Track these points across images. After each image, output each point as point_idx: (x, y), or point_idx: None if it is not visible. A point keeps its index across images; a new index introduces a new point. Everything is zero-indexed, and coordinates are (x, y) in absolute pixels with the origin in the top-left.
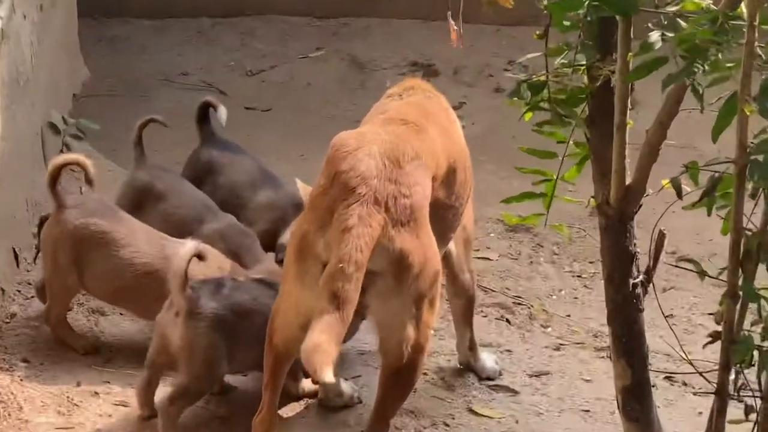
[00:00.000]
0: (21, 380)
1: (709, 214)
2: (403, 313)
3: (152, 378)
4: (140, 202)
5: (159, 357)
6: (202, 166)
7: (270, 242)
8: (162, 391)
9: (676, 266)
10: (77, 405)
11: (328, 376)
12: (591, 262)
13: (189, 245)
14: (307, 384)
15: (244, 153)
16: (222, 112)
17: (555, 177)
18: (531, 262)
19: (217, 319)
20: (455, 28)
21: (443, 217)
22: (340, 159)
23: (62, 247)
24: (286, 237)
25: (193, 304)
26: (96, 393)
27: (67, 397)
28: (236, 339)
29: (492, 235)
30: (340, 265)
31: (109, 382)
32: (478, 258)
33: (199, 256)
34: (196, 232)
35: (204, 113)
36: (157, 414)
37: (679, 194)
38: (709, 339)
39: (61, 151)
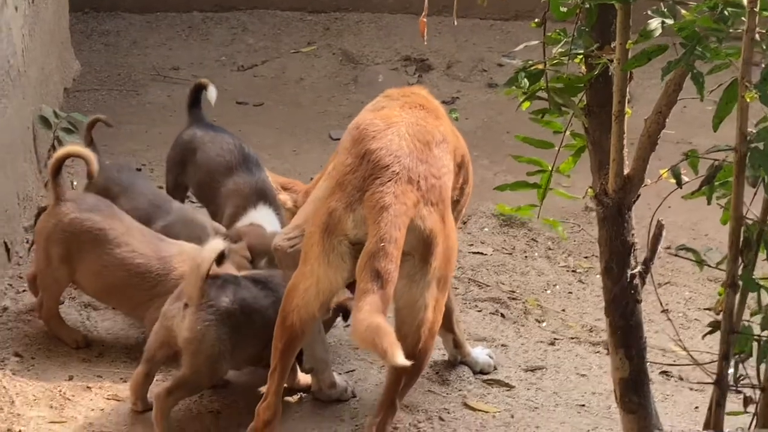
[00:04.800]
0: (13, 374)
1: (709, 203)
2: (426, 295)
3: (149, 372)
4: None
5: (160, 350)
6: (185, 145)
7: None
8: (155, 384)
9: (676, 255)
10: (69, 399)
11: (401, 358)
12: (585, 257)
13: (219, 243)
14: (303, 376)
15: (227, 133)
16: (212, 92)
17: (550, 168)
18: (525, 256)
19: (227, 312)
20: (423, 20)
21: None
22: (369, 138)
23: (55, 239)
24: (241, 223)
25: (205, 296)
26: (88, 387)
27: (60, 391)
28: (239, 335)
29: (486, 230)
30: (382, 244)
31: (101, 377)
32: (473, 252)
33: (220, 259)
34: None
35: (195, 97)
36: (152, 405)
37: (679, 182)
38: (709, 329)
39: (53, 145)
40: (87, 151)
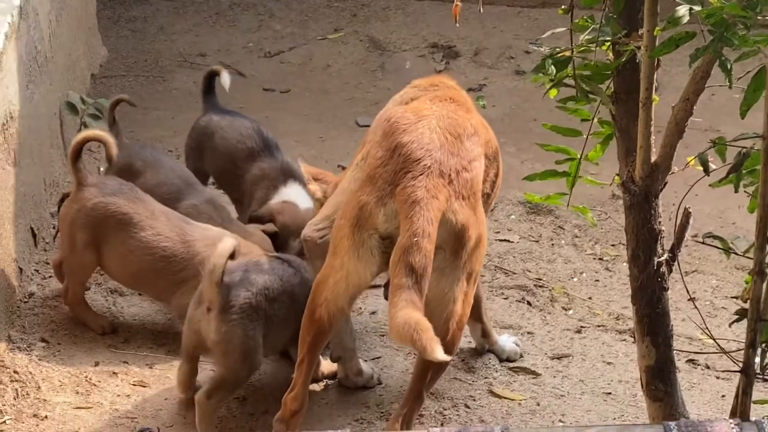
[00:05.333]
0: (39, 360)
1: (736, 191)
2: (455, 288)
3: (193, 368)
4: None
5: (196, 350)
6: (201, 131)
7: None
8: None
9: (703, 243)
10: (95, 385)
11: (441, 353)
12: (612, 245)
13: (228, 242)
14: (326, 364)
15: (244, 117)
16: (225, 78)
17: (579, 156)
18: (552, 244)
19: (251, 308)
20: (458, 3)
21: None
22: (401, 131)
23: (80, 225)
24: (274, 201)
25: (225, 297)
26: (114, 373)
27: (85, 377)
28: (269, 324)
29: (513, 217)
30: (415, 239)
31: (127, 363)
32: (499, 240)
33: (232, 256)
34: (175, 209)
35: (209, 84)
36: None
37: (706, 170)
38: (736, 317)
39: (79, 131)
40: (105, 135)
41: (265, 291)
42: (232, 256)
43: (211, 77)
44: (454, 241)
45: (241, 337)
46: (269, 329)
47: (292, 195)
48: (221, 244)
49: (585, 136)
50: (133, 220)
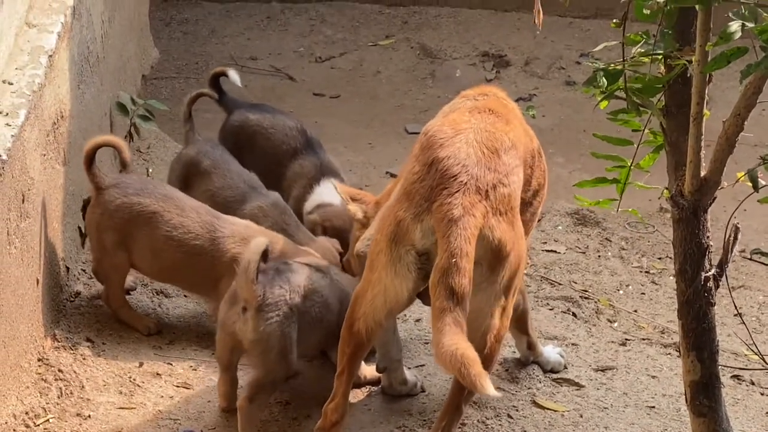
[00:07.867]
0: (83, 359)
1: None
2: (493, 303)
3: (232, 376)
4: (187, 177)
5: (232, 355)
6: (238, 131)
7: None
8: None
9: (750, 259)
10: (139, 385)
11: (491, 389)
12: (659, 258)
13: (259, 241)
14: (368, 369)
15: (280, 112)
16: (233, 75)
17: (629, 163)
18: (599, 256)
19: (286, 305)
20: (538, 8)
21: (522, 213)
22: (437, 146)
23: (106, 227)
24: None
25: (260, 295)
26: (158, 374)
27: (129, 377)
28: (303, 322)
29: (560, 228)
30: (454, 260)
31: (171, 364)
32: (546, 251)
33: (265, 254)
34: (239, 212)
35: (218, 87)
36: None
37: (756, 186)
38: None
39: (129, 132)
40: (117, 140)
41: (297, 288)
42: (265, 255)
43: (216, 80)
44: (492, 257)
45: (278, 336)
46: (302, 328)
47: (326, 194)
48: (253, 242)
49: (635, 146)
50: (163, 217)
